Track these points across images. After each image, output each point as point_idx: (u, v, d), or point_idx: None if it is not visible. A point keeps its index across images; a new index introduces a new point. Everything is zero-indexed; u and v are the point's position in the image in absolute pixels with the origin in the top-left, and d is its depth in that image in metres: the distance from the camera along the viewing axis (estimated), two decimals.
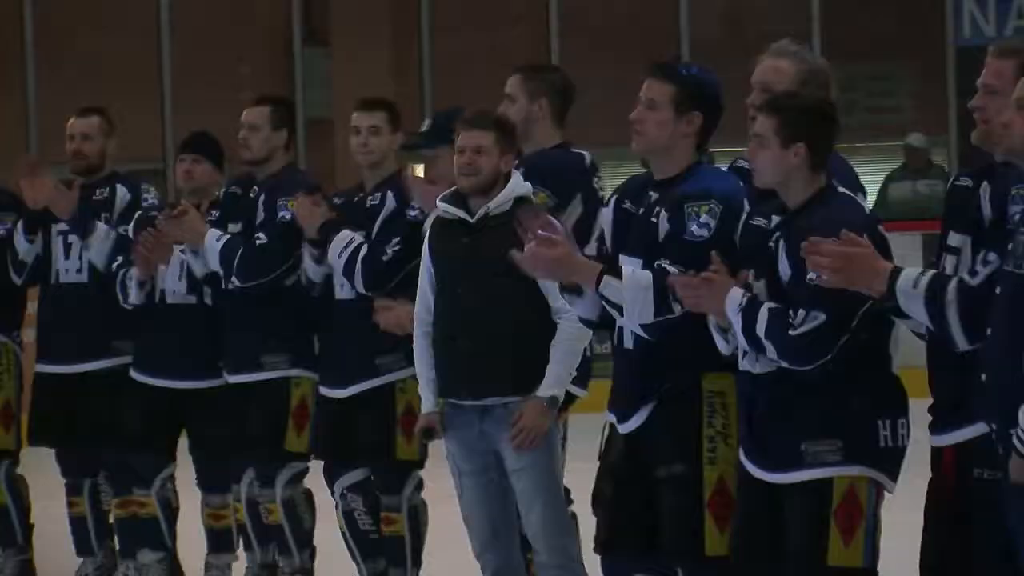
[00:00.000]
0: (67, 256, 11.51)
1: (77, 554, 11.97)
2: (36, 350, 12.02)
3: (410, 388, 10.35)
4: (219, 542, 11.59)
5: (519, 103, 9.90)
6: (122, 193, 11.49)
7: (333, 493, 10.87)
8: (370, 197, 10.67)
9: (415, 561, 10.80)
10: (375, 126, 10.60)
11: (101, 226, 11.38)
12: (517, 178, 9.44)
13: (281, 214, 10.80)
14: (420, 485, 10.86)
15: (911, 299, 7.17)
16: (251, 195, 11.08)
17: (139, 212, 11.57)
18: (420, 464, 10.79)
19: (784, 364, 7.52)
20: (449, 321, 9.29)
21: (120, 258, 11.41)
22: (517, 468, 9.16)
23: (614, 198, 8.60)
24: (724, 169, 8.58)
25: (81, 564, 11.90)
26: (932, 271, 7.26)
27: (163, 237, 11.13)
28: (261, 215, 10.92)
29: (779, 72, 8.50)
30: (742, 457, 7.79)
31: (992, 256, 7.02)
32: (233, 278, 10.85)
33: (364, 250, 10.44)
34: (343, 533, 10.89)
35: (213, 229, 11.01)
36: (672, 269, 7.89)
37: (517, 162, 9.64)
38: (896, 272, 7.20)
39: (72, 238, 11.58)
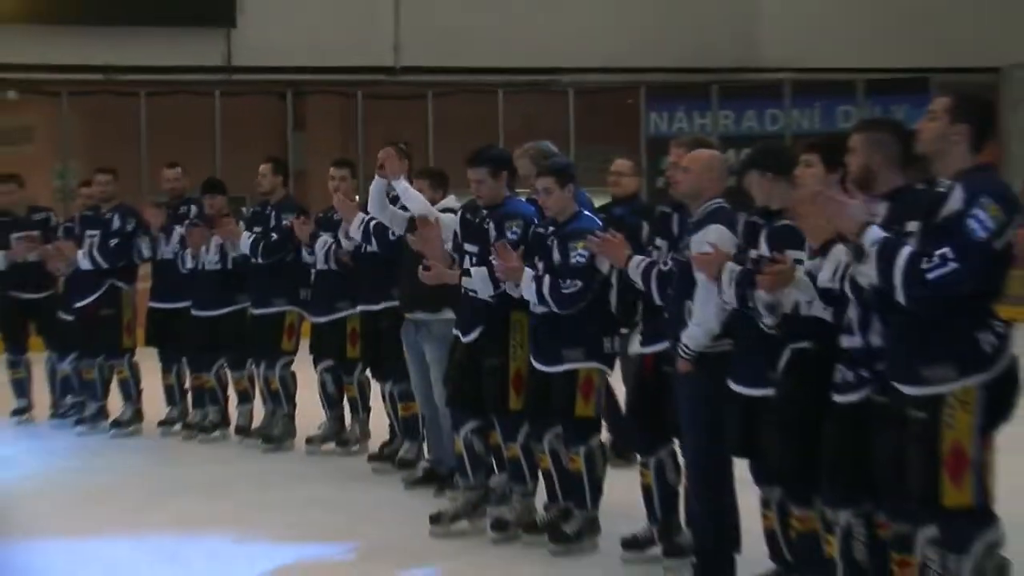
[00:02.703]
0: (168, 243, 11.42)
1: (167, 404, 11.78)
2: (150, 294, 11.81)
3: (353, 319, 10.25)
4: (243, 398, 11.31)
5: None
6: (194, 210, 11.38)
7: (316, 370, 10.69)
8: (334, 215, 10.25)
9: (365, 407, 10.68)
10: (343, 176, 10.17)
11: (178, 229, 11.39)
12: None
13: (284, 222, 10.55)
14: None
15: (635, 273, 7.20)
16: (266, 212, 10.81)
17: (187, 221, 11.32)
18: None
19: (556, 310, 7.46)
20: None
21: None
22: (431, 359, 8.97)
23: (461, 212, 8.51)
24: (524, 200, 8.32)
25: (169, 411, 11.75)
26: (648, 259, 7.24)
27: (212, 234, 11.02)
28: (273, 223, 10.67)
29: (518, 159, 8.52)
30: (531, 357, 7.74)
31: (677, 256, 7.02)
32: (259, 258, 10.66)
33: (334, 247, 10.21)
34: (353, 400, 10.76)
35: (245, 232, 10.81)
36: (495, 261, 7.76)
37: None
38: (630, 257, 7.26)
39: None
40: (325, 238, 10.30)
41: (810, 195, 5.78)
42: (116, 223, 11.68)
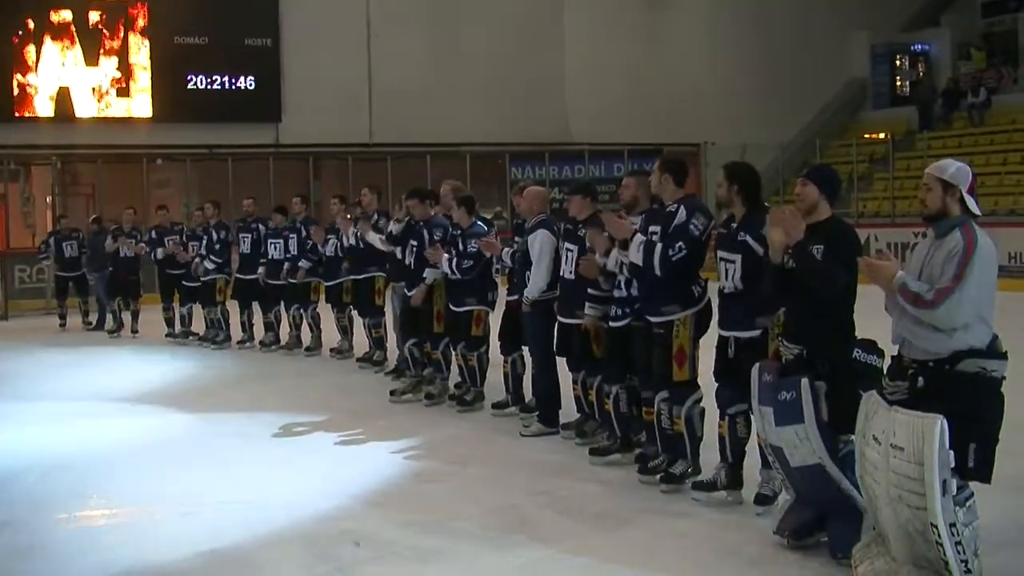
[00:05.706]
0: (245, 244, 11.05)
1: (241, 332, 11.23)
2: (237, 270, 11.19)
3: (348, 283, 9.80)
4: (292, 327, 10.77)
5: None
6: (262, 227, 10.99)
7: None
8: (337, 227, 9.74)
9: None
10: (337, 204, 9.83)
11: (251, 236, 11.01)
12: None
13: (308, 231, 10.29)
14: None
15: (507, 258, 7.02)
16: (296, 225, 10.41)
17: (262, 230, 10.88)
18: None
19: (458, 276, 7.23)
20: None
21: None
22: None
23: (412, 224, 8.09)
24: (442, 216, 7.88)
25: (243, 336, 11.24)
26: (514, 249, 6.92)
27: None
28: (303, 231, 10.34)
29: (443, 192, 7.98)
30: (447, 302, 7.46)
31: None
32: (296, 252, 10.32)
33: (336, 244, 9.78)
34: (344, 327, 10.14)
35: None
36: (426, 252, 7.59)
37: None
38: (503, 248, 7.05)
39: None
40: (332, 239, 9.92)
41: (603, 215, 5.83)
42: (215, 233, 11.41)
